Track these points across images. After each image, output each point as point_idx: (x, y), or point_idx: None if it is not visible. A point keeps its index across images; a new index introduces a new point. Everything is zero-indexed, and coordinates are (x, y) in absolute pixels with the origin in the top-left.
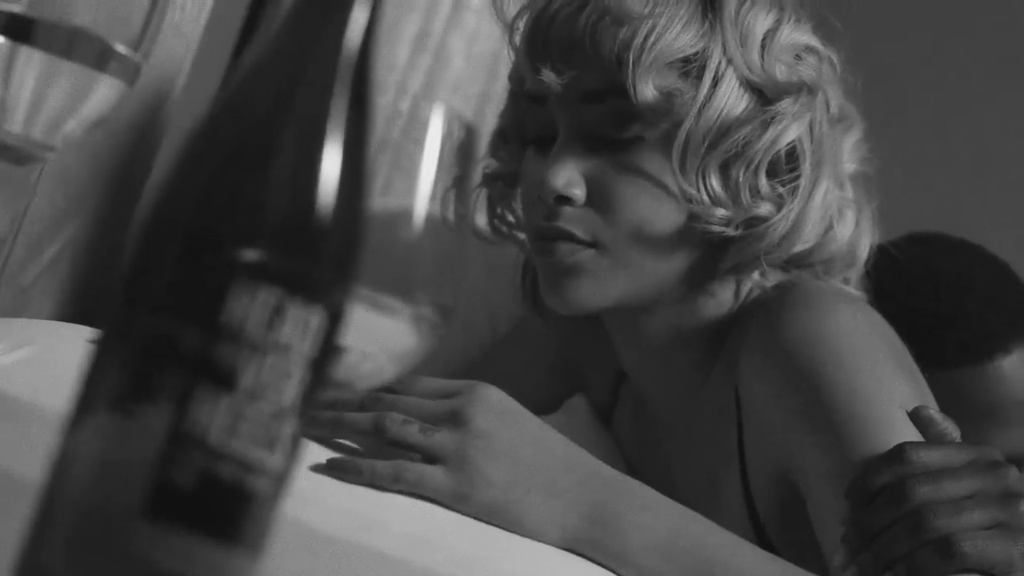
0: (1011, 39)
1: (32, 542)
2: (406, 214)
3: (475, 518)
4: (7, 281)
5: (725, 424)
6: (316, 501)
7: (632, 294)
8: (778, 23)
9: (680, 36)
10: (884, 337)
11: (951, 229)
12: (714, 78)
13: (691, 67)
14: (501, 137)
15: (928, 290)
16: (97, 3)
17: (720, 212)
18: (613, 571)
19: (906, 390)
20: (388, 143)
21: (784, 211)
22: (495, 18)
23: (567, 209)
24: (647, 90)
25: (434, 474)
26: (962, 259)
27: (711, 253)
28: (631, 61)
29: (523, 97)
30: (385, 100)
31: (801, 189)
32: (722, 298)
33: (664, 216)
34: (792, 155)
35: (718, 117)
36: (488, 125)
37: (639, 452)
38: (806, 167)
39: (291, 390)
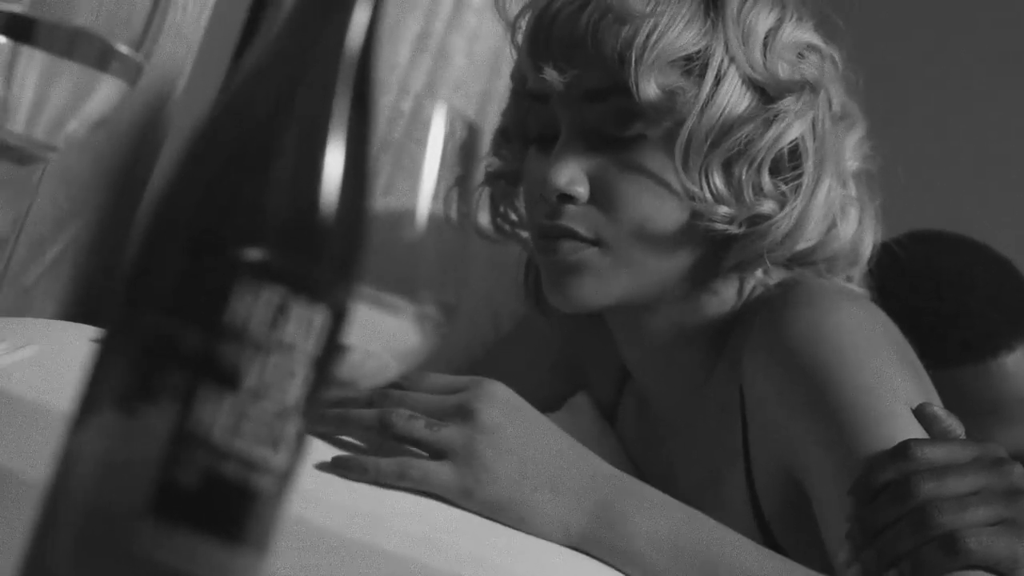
0: (1013, 37)
1: (36, 543)
2: (409, 213)
3: (480, 515)
4: (9, 281)
5: (729, 422)
6: (319, 499)
7: (635, 292)
8: (780, 21)
9: (682, 34)
10: (888, 334)
11: (953, 227)
12: (716, 76)
13: (693, 65)
14: (503, 136)
15: (930, 288)
16: (98, 3)
17: (723, 210)
18: (618, 569)
19: (910, 387)
20: (390, 142)
21: (787, 209)
22: (497, 17)
23: (570, 207)
24: (649, 88)
25: (439, 470)
26: (964, 257)
27: (714, 251)
28: (633, 59)
29: (525, 96)
30: (387, 100)
31: (804, 187)
32: (725, 296)
33: (667, 214)
34: (795, 153)
35: (720, 115)
36: (490, 124)
37: (643, 450)
38: (809, 165)
39: (295, 389)
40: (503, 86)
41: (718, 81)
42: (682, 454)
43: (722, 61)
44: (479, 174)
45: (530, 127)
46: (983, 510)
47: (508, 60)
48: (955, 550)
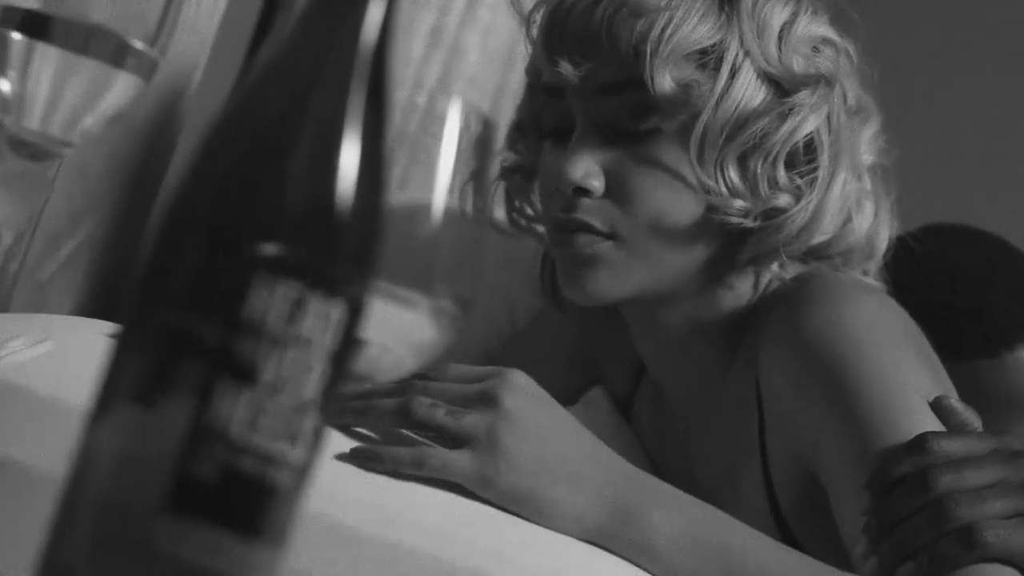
0: None
1: (54, 539)
2: (424, 208)
3: (497, 506)
4: (25, 277)
5: (745, 417)
6: (336, 493)
7: (650, 286)
8: (795, 15)
9: (697, 28)
10: (904, 328)
11: (968, 220)
12: (731, 70)
13: (708, 59)
14: (519, 130)
15: (946, 281)
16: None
17: (738, 203)
18: (635, 565)
19: (927, 380)
20: (405, 137)
21: (802, 203)
22: (512, 11)
23: (585, 201)
24: (665, 82)
25: (458, 458)
26: (979, 250)
27: (729, 245)
28: (648, 53)
29: (540, 90)
30: (401, 94)
31: (819, 180)
32: (741, 290)
33: (682, 208)
34: (810, 147)
35: (736, 109)
36: (505, 118)
37: (659, 444)
38: (824, 159)
39: (312, 383)
40: (517, 80)
41: (733, 75)
42: (698, 449)
43: (737, 55)
44: (494, 168)
45: (545, 121)
46: (1000, 503)
47: (522, 54)
48: (972, 543)
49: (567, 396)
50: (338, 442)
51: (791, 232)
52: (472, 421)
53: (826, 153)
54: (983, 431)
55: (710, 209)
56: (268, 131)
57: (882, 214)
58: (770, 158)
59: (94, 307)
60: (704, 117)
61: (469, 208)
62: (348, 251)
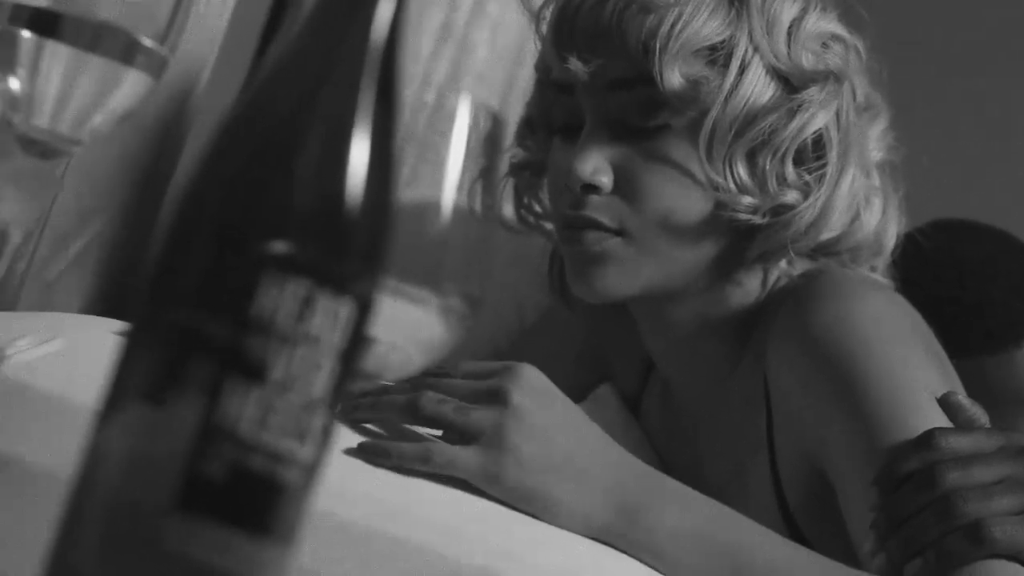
0: None
1: (62, 538)
2: (433, 205)
3: (506, 503)
4: (33, 276)
5: (753, 414)
6: (344, 490)
7: (659, 282)
8: (804, 11)
9: (707, 24)
10: (912, 324)
11: (977, 216)
12: (741, 66)
13: (718, 55)
14: (528, 126)
15: (953, 277)
16: None
17: (747, 200)
18: (642, 562)
19: (935, 377)
20: (414, 134)
21: (811, 199)
22: (521, 8)
23: (594, 197)
24: (674, 78)
25: (465, 454)
26: (987, 246)
27: (738, 241)
28: (658, 49)
29: (550, 86)
30: (410, 91)
31: (828, 177)
32: (749, 287)
33: (691, 204)
34: (819, 143)
35: (745, 105)
36: (514, 115)
37: (667, 441)
38: (833, 155)
39: (321, 381)
40: (526, 76)
41: (742, 71)
42: (706, 445)
43: (746, 51)
44: (503, 165)
45: (554, 117)
46: (1008, 499)
47: (531, 50)
48: (980, 539)
49: (575, 393)
50: (346, 438)
51: (799, 228)
52: (480, 417)
53: (835, 149)
54: (991, 427)
55: (719, 206)
56: (277, 129)
57: (890, 210)
58: (779, 154)
59: (102, 306)
60: (713, 113)
61: (478, 206)
62: (357, 249)
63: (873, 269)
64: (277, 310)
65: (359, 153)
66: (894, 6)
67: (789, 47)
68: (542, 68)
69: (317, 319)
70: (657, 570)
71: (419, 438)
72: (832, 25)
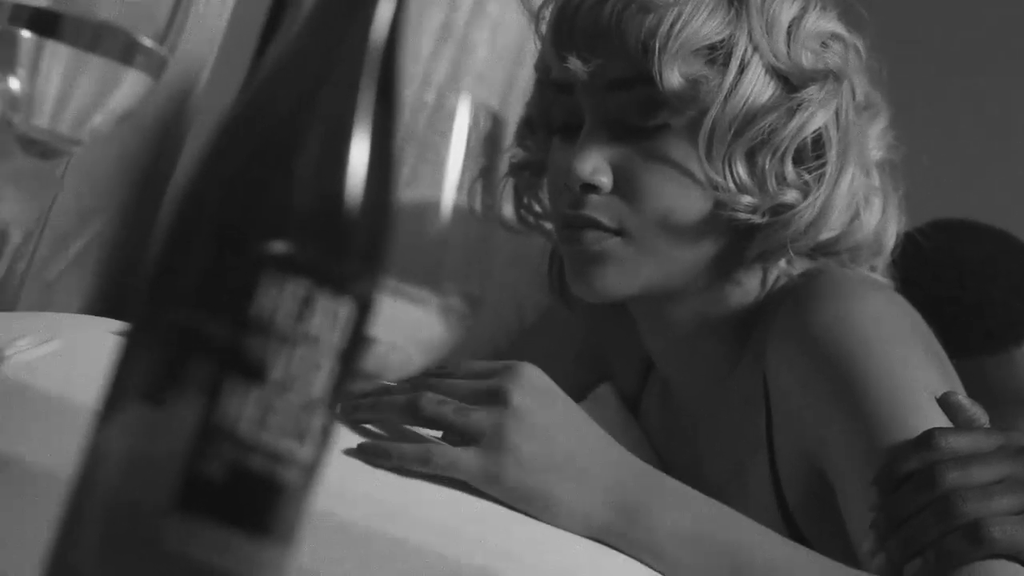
0: None
1: (61, 540)
2: (433, 205)
3: (503, 503)
4: (33, 276)
5: (752, 413)
6: (344, 491)
7: (658, 282)
8: (804, 10)
9: (706, 23)
10: (912, 324)
11: (976, 216)
12: (740, 65)
13: (717, 54)
14: (527, 126)
15: (953, 277)
16: None
17: (746, 199)
18: (640, 561)
19: (934, 376)
20: (414, 134)
21: (810, 199)
22: (521, 7)
23: (593, 197)
24: (673, 77)
25: (464, 455)
26: (987, 246)
27: (737, 241)
28: (657, 48)
29: (549, 86)
30: (410, 91)
31: (827, 176)
32: (748, 286)
33: (690, 203)
34: (818, 143)
35: (744, 104)
36: (514, 115)
37: (667, 440)
38: (832, 154)
39: (321, 381)
40: (526, 76)
41: (742, 70)
42: (706, 445)
43: (746, 50)
44: (503, 165)
45: (554, 117)
46: (1008, 499)
47: (531, 50)
48: (979, 539)
49: (575, 393)
50: (346, 438)
51: (799, 228)
52: (480, 418)
53: (834, 149)
54: (990, 427)
55: (718, 205)
56: (277, 129)
57: (890, 210)
58: (778, 154)
59: (102, 306)
60: (712, 113)
61: (478, 205)
62: (357, 249)
63: (873, 269)
64: (277, 310)
65: (359, 153)
66: (894, 6)
67: (788, 46)
68: (542, 68)
69: (317, 319)
70: (656, 570)
71: (419, 439)
72: (832, 24)
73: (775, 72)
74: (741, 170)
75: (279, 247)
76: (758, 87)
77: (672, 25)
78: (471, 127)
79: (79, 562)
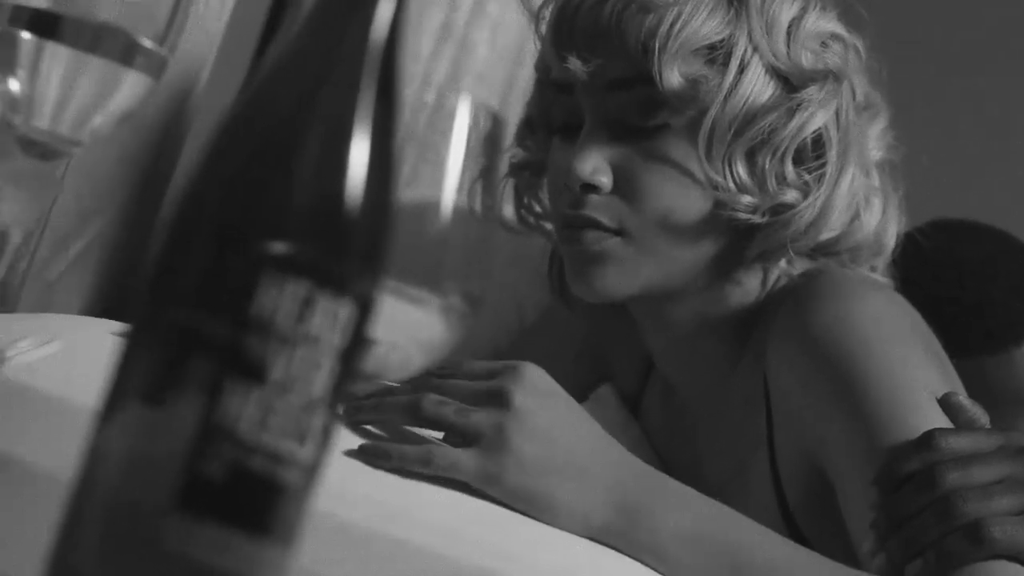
0: None
1: (61, 541)
2: (433, 205)
3: (504, 504)
4: (33, 277)
5: (753, 413)
6: (344, 491)
7: (658, 282)
8: (803, 10)
9: (706, 23)
10: (912, 324)
11: (976, 216)
12: (740, 65)
13: (717, 54)
14: (528, 126)
15: (953, 277)
16: None
17: (746, 199)
18: (641, 562)
19: (935, 377)
20: (414, 134)
21: (810, 198)
22: (521, 7)
23: (593, 197)
24: (673, 77)
25: (465, 457)
26: (987, 246)
27: (737, 241)
28: (657, 48)
29: (549, 86)
30: (410, 91)
31: (827, 176)
32: (749, 286)
33: (690, 203)
34: (818, 143)
35: (744, 104)
36: (514, 115)
37: (667, 440)
38: (832, 154)
39: (321, 382)
40: (526, 76)
41: (741, 70)
42: (706, 444)
43: (745, 50)
44: (503, 165)
45: (554, 117)
46: (1008, 499)
47: (531, 50)
48: (980, 539)
49: (575, 393)
50: (347, 439)
51: (799, 228)
52: (480, 419)
53: (834, 149)
54: (991, 427)
55: (718, 205)
56: (277, 129)
57: (890, 210)
58: (778, 154)
59: (102, 306)
60: (712, 112)
61: (478, 206)
62: (357, 249)
63: (873, 269)
64: (277, 310)
65: (359, 153)
66: (894, 6)
67: (788, 46)
68: (542, 68)
69: (317, 319)
70: (657, 570)
71: (420, 440)
72: (831, 24)
73: (775, 72)
74: (741, 170)
75: (279, 247)
76: (758, 87)
77: (672, 25)
78: (471, 127)
79: (79, 562)
